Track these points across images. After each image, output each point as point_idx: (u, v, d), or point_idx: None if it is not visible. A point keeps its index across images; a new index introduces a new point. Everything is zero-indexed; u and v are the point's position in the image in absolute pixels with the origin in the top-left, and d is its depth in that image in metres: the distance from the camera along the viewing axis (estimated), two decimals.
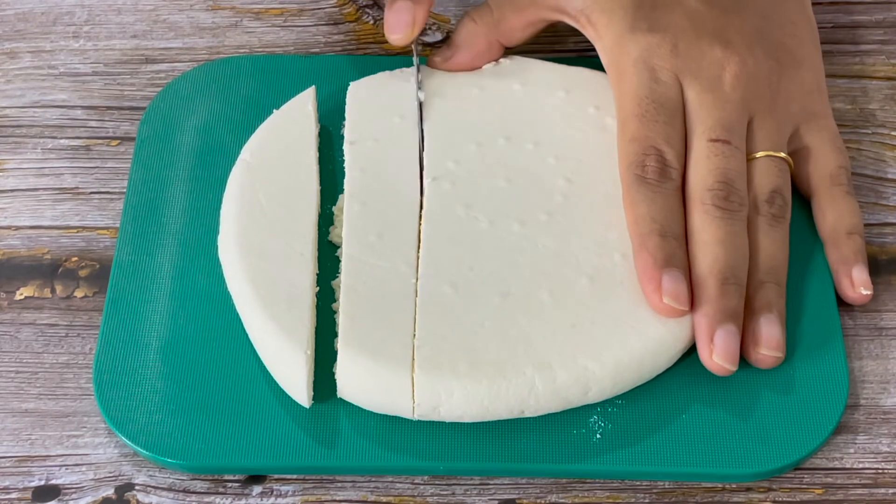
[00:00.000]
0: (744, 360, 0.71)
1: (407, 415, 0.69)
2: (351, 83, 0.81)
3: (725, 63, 0.75)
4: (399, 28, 0.78)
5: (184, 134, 0.80)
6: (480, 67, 0.81)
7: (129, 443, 0.69)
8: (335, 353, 0.70)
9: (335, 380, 0.69)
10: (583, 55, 0.85)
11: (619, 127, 0.75)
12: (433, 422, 0.69)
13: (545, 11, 0.80)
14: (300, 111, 0.79)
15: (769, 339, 0.70)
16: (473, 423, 0.69)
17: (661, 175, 0.73)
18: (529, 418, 0.69)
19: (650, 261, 0.70)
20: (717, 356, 0.69)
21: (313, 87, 0.80)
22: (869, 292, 0.74)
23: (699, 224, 0.71)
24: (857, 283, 0.74)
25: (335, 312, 0.72)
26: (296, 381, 0.69)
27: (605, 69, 0.78)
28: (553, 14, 0.80)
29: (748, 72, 0.75)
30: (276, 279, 0.71)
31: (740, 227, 0.72)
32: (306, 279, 0.72)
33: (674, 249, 0.71)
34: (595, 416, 0.70)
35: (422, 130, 0.78)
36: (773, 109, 0.76)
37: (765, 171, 0.74)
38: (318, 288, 0.72)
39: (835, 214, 0.75)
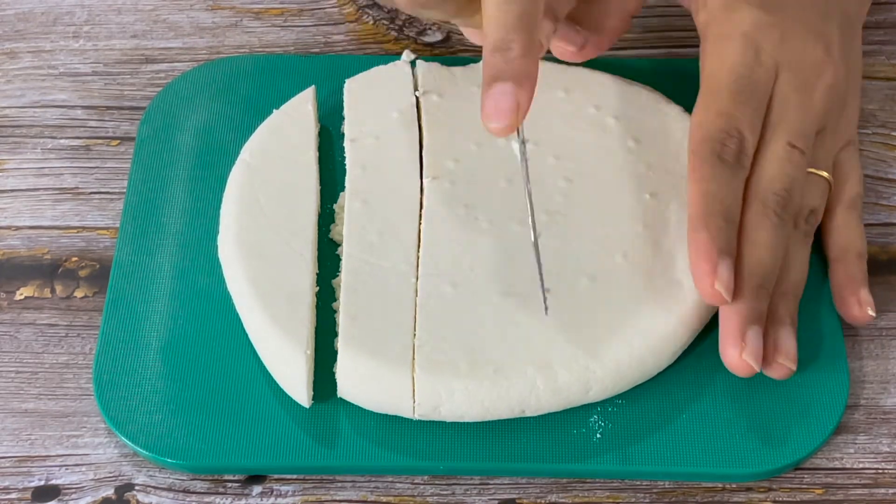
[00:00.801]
0: None
1: (407, 414, 0.69)
2: (346, 80, 0.80)
3: (822, 69, 0.74)
4: (500, 116, 0.66)
5: (184, 134, 0.80)
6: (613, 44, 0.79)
7: (129, 443, 0.69)
8: (335, 352, 0.70)
9: (335, 379, 0.69)
10: None
11: (705, 95, 0.73)
12: (433, 422, 0.69)
13: None
14: (300, 111, 0.79)
15: (788, 350, 0.70)
16: (473, 423, 0.69)
17: (738, 161, 0.71)
18: (530, 418, 0.69)
19: (710, 242, 0.68)
20: (749, 355, 0.68)
21: (313, 87, 0.80)
22: (874, 314, 0.73)
23: (755, 222, 0.70)
24: (864, 303, 0.73)
25: (335, 312, 0.72)
26: (296, 381, 0.69)
27: (700, 28, 0.76)
28: None
29: (837, 85, 0.75)
30: (275, 279, 0.71)
31: (786, 239, 0.71)
32: (306, 279, 0.72)
33: (731, 237, 0.69)
34: (595, 416, 0.70)
35: (420, 128, 0.78)
36: (835, 130, 0.76)
37: (813, 189, 0.74)
38: (317, 288, 0.72)
39: (847, 236, 0.75)
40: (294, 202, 0.75)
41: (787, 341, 0.70)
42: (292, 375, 0.69)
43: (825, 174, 0.74)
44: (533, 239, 0.69)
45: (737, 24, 0.74)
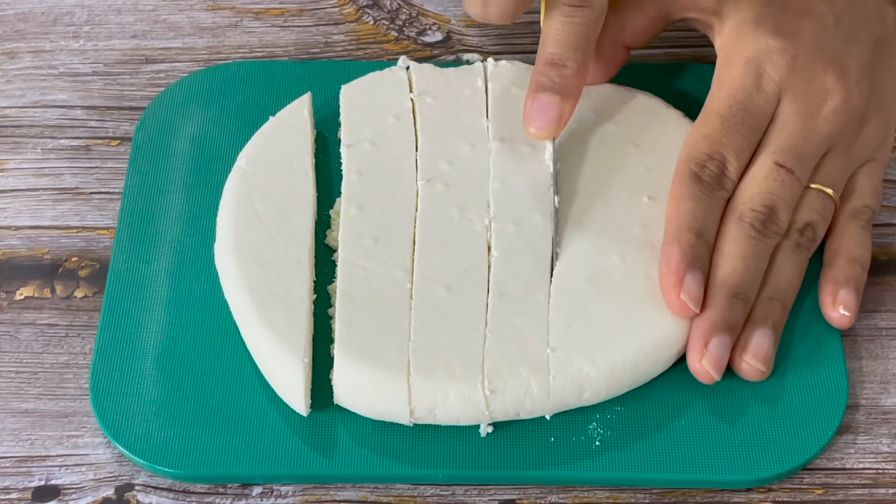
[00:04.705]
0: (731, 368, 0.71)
1: (404, 419, 0.69)
2: (343, 86, 0.80)
3: (831, 95, 0.74)
4: (543, 124, 0.74)
5: (180, 141, 0.80)
6: (614, 75, 0.80)
7: (126, 452, 0.69)
8: (331, 359, 0.70)
9: (332, 387, 0.69)
10: None
11: (701, 116, 0.74)
12: (432, 429, 0.69)
13: (673, 9, 0.79)
14: (296, 117, 0.78)
15: (758, 350, 0.70)
16: (472, 431, 0.69)
17: (717, 183, 0.72)
18: (528, 425, 0.69)
19: (678, 255, 0.70)
20: (707, 362, 0.69)
21: (309, 93, 0.80)
22: (847, 314, 0.72)
23: (730, 235, 0.71)
24: (839, 302, 0.72)
25: (331, 318, 0.72)
26: (293, 390, 0.69)
27: (717, 50, 0.77)
28: (679, 12, 0.79)
29: (847, 108, 0.74)
30: (273, 287, 0.71)
31: (766, 251, 0.71)
32: (303, 287, 0.72)
33: (703, 252, 0.71)
34: (594, 423, 0.70)
35: (416, 132, 0.78)
36: (848, 150, 0.75)
37: (810, 203, 0.74)
38: (315, 295, 0.72)
39: (842, 240, 0.74)
40: (291, 209, 0.75)
41: (758, 340, 0.70)
42: (290, 384, 0.69)
43: (829, 190, 0.74)
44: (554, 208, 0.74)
45: (743, 50, 0.75)
